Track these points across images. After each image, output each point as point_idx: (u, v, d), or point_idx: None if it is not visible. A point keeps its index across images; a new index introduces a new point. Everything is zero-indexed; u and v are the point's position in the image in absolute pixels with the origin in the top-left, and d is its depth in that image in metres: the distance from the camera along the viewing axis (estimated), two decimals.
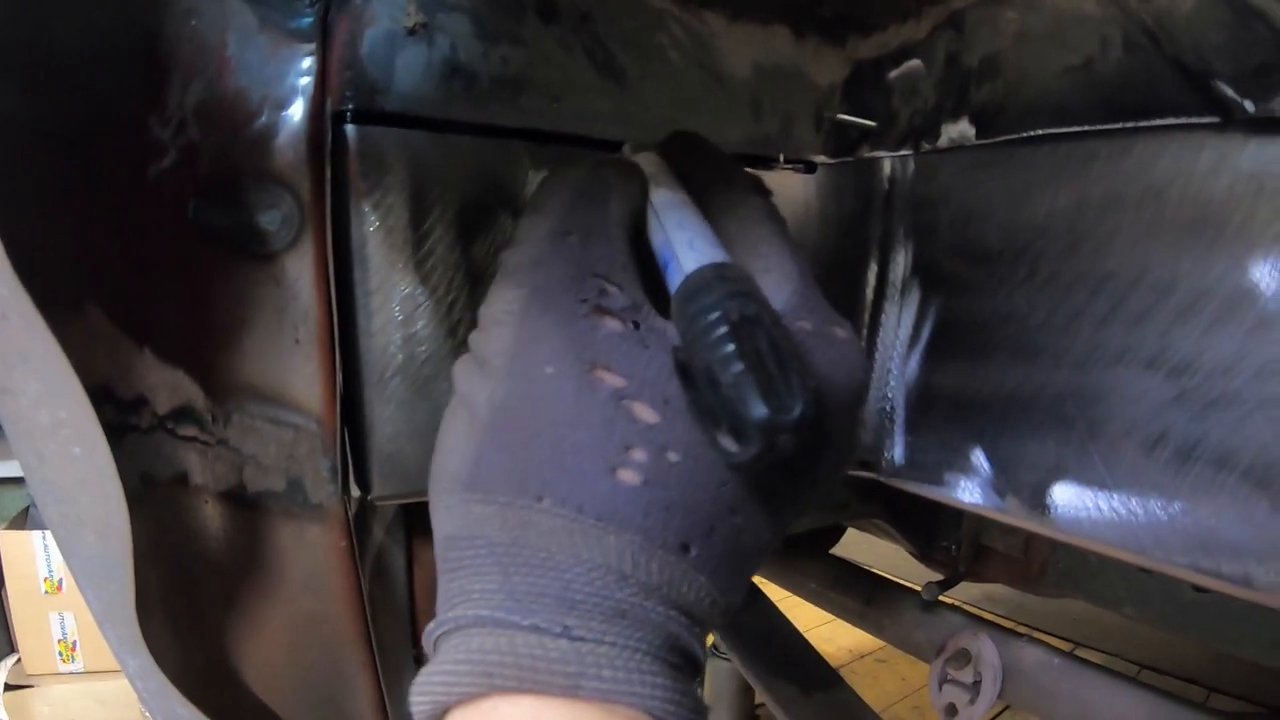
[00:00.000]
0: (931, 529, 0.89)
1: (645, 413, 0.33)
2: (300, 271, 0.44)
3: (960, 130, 0.48)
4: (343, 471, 0.47)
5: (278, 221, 0.45)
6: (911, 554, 0.94)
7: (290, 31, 0.43)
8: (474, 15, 0.46)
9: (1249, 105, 0.38)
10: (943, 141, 0.49)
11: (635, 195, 0.42)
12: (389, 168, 0.45)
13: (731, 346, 0.31)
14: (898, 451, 0.51)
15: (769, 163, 0.54)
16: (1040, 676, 0.71)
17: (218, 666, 0.46)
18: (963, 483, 0.47)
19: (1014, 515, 0.45)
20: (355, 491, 0.48)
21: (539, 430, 0.34)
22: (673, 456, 0.33)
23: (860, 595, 0.89)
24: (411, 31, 0.45)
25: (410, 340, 0.47)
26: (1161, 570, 0.43)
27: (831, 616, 0.95)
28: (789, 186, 0.55)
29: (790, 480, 0.36)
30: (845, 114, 0.52)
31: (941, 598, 0.84)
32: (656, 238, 0.40)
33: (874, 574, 0.94)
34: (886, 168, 0.52)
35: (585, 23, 0.49)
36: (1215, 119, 0.39)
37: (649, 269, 0.39)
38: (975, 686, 0.72)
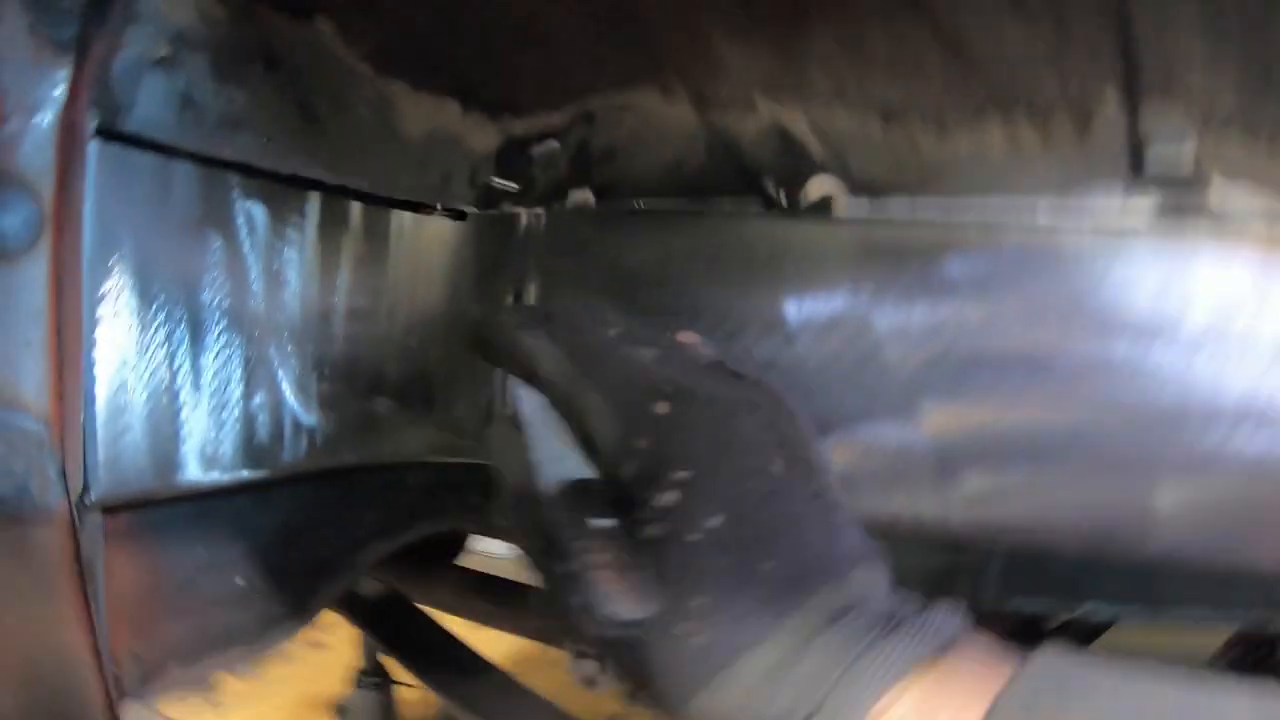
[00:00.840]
0: None
1: None
2: (35, 275, 0.45)
3: (583, 196, 0.63)
4: (70, 473, 0.48)
5: (17, 224, 0.46)
6: None
7: (54, 40, 0.45)
8: (212, 56, 0.52)
9: (783, 197, 0.58)
10: (570, 204, 0.64)
11: None
12: (122, 183, 0.49)
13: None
14: None
15: (429, 208, 0.65)
16: None
17: None
18: None
19: None
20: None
21: None
22: None
23: (491, 599, 0.93)
24: (158, 62, 0.49)
25: (131, 346, 0.50)
26: None
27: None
28: (443, 231, 0.66)
29: None
30: (496, 175, 0.65)
31: None
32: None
33: (500, 579, 0.96)
34: (524, 220, 0.65)
35: (298, 76, 0.56)
36: (762, 204, 0.58)
37: None
38: None
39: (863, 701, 0.37)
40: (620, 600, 0.39)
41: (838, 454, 0.58)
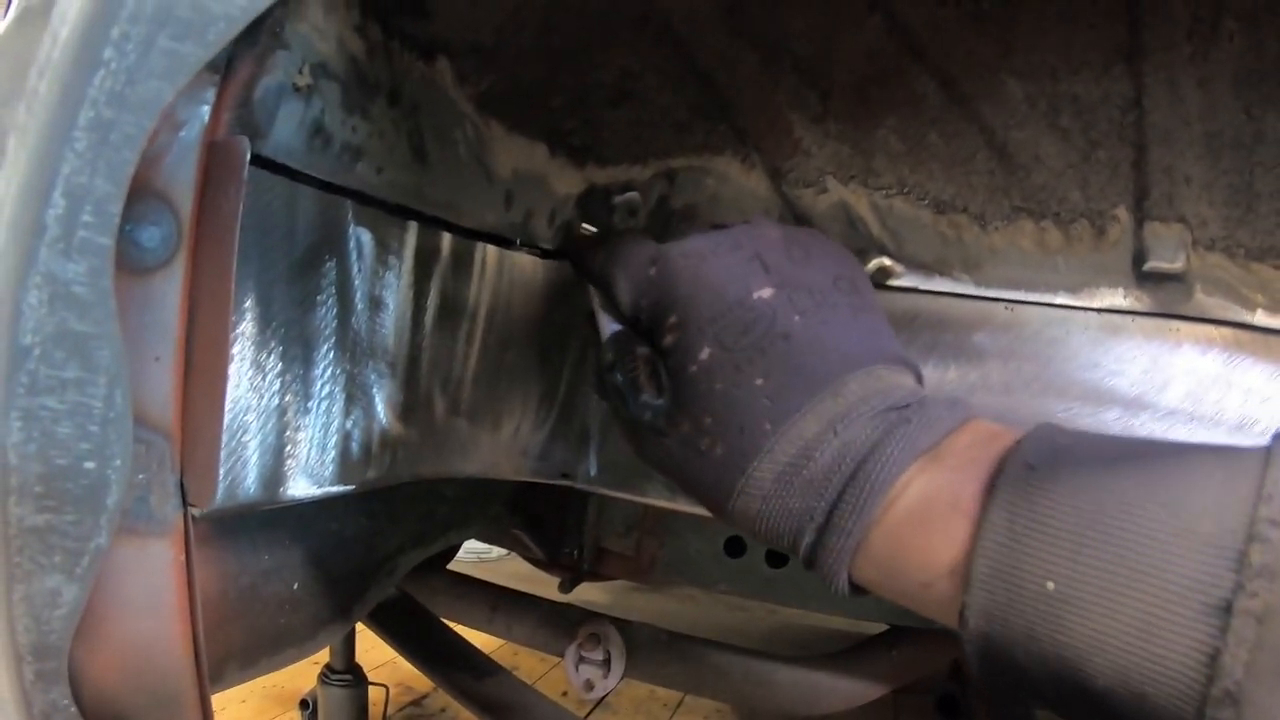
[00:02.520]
0: (557, 537, 0.98)
1: None
2: (169, 291, 0.42)
3: None
4: (188, 487, 0.45)
5: (156, 239, 0.43)
6: (534, 560, 1.01)
7: None
8: (344, 86, 0.48)
9: None
10: None
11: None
12: (251, 206, 0.46)
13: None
14: (592, 465, 0.64)
15: (510, 243, 0.63)
16: (654, 650, 0.85)
17: None
18: (644, 485, 0.63)
19: (681, 505, 0.62)
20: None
21: None
22: None
23: (486, 603, 0.92)
24: (298, 89, 0.47)
25: (251, 365, 0.48)
26: None
27: None
28: (522, 265, 0.64)
29: None
30: (575, 218, 0.65)
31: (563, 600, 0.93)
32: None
33: (495, 585, 0.96)
34: None
35: (414, 111, 0.54)
36: None
37: None
38: (606, 663, 0.84)
39: (873, 497, 0.39)
40: (646, 390, 0.45)
41: None
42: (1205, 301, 0.60)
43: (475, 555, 1.95)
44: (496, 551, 1.94)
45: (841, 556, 0.40)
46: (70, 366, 0.30)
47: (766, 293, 0.44)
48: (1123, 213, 0.59)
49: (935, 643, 0.87)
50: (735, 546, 0.92)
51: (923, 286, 0.61)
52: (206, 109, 0.43)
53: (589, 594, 1.00)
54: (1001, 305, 0.61)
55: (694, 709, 1.58)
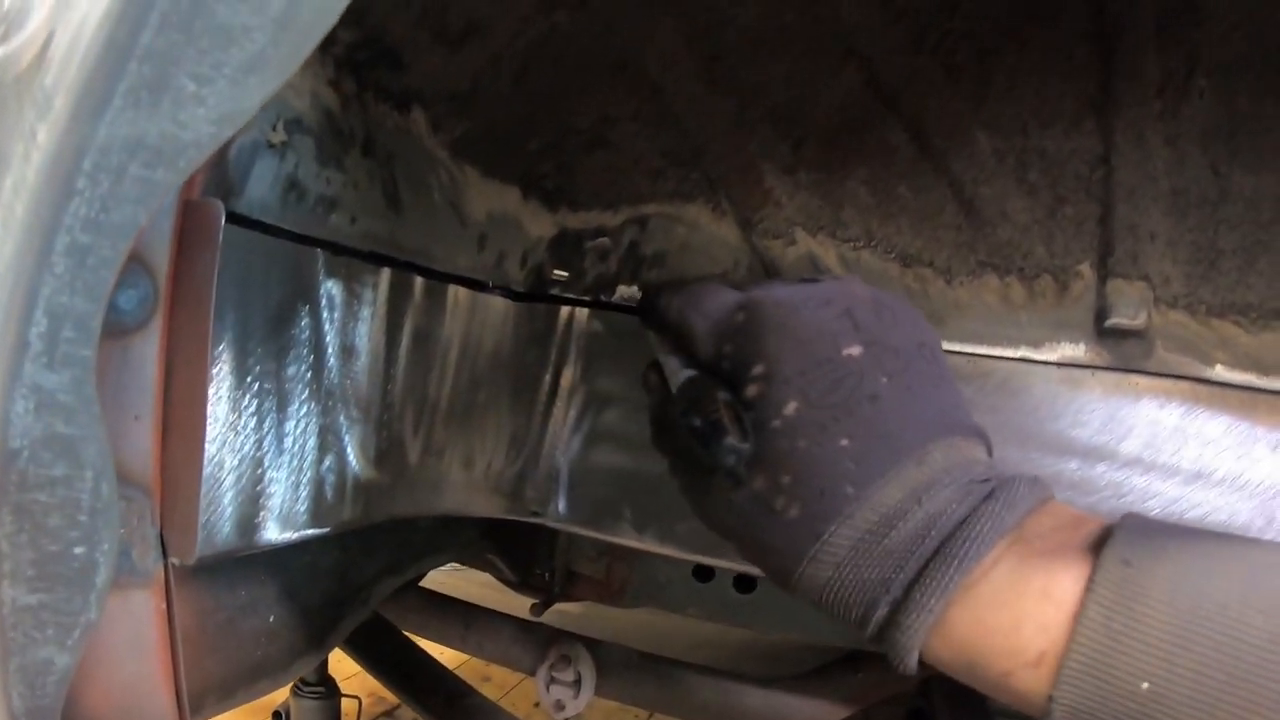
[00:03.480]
0: (529, 561, 1.01)
1: None
2: (147, 352, 0.44)
3: (630, 292, 0.66)
4: (167, 539, 0.48)
5: (134, 302, 0.45)
6: (507, 582, 1.04)
7: None
8: (318, 140, 0.50)
9: None
10: (615, 298, 0.66)
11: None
12: (227, 263, 0.48)
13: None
14: (561, 503, 0.67)
15: (483, 286, 0.65)
16: (625, 671, 0.88)
17: None
18: (612, 524, 0.66)
19: (649, 544, 0.65)
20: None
21: None
22: None
23: (459, 621, 0.96)
24: (272, 146, 0.49)
25: (228, 419, 0.50)
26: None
27: None
28: (495, 308, 0.66)
29: None
30: (547, 262, 0.67)
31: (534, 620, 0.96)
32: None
33: (467, 603, 1.00)
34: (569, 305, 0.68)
35: (388, 160, 0.56)
36: None
37: None
38: (577, 684, 0.86)
39: (958, 575, 0.39)
40: (731, 433, 0.44)
41: None
42: (1165, 358, 0.63)
43: (451, 564, 2.00)
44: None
45: (917, 634, 0.40)
46: (58, 465, 0.33)
47: (855, 350, 0.44)
48: (1086, 269, 0.62)
49: None
50: (704, 572, 0.95)
51: None
52: None
53: (562, 605, 1.03)
54: (963, 357, 0.64)
55: None
